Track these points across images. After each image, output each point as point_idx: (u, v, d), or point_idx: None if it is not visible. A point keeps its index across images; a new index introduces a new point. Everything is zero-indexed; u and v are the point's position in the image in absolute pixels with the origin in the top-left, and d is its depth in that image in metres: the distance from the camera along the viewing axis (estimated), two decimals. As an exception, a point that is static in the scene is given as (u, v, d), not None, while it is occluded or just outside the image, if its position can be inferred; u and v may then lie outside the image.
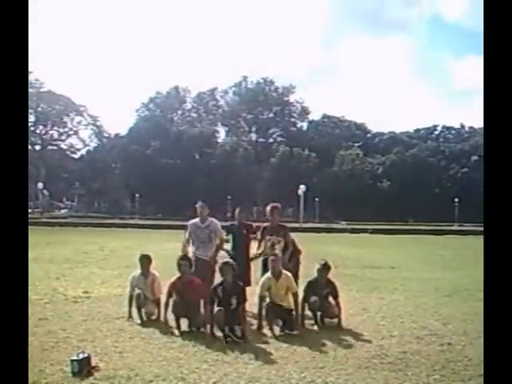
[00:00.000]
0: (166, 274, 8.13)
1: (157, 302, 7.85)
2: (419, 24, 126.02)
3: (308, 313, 7.76)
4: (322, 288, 7.76)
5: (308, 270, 8.46)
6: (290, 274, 7.67)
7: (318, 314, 7.72)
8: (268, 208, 8.75)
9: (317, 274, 7.84)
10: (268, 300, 7.44)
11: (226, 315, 6.82)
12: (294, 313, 7.43)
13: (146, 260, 8.01)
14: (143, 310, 7.82)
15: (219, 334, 6.81)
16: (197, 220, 8.60)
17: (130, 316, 7.82)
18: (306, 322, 7.65)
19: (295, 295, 7.55)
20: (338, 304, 7.75)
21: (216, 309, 6.91)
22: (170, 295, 7.37)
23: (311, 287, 7.75)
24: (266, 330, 7.25)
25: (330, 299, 7.76)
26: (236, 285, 7.15)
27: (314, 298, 7.62)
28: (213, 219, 8.66)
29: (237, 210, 9.08)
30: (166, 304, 7.37)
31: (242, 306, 7.13)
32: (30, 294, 9.31)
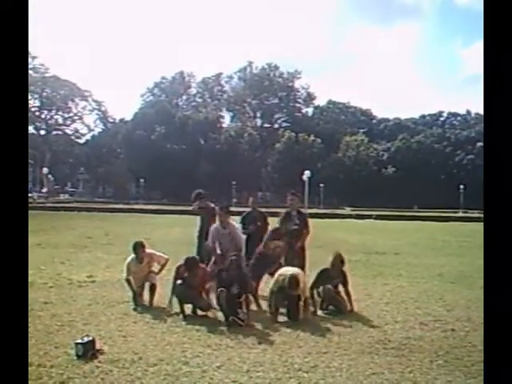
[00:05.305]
0: (170, 259, 8.16)
1: (152, 289, 7.80)
2: (427, 10, 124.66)
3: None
4: (334, 278, 7.75)
5: (312, 258, 8.39)
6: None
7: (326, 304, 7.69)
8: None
9: (330, 265, 7.81)
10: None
11: (228, 298, 6.82)
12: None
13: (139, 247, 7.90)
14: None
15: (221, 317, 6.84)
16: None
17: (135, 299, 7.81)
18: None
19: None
20: (348, 293, 7.74)
21: (218, 290, 6.93)
22: (175, 280, 7.37)
23: (323, 275, 7.72)
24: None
25: (341, 289, 7.74)
26: (240, 273, 7.17)
27: (328, 286, 7.60)
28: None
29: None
30: (172, 288, 7.37)
31: (245, 293, 7.11)
32: (34, 277, 9.38)
